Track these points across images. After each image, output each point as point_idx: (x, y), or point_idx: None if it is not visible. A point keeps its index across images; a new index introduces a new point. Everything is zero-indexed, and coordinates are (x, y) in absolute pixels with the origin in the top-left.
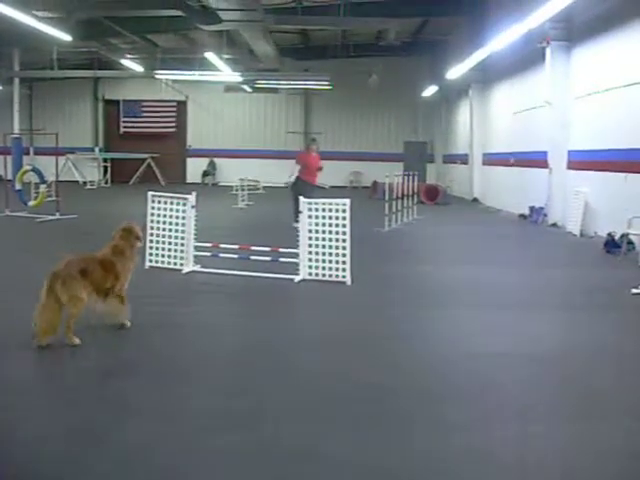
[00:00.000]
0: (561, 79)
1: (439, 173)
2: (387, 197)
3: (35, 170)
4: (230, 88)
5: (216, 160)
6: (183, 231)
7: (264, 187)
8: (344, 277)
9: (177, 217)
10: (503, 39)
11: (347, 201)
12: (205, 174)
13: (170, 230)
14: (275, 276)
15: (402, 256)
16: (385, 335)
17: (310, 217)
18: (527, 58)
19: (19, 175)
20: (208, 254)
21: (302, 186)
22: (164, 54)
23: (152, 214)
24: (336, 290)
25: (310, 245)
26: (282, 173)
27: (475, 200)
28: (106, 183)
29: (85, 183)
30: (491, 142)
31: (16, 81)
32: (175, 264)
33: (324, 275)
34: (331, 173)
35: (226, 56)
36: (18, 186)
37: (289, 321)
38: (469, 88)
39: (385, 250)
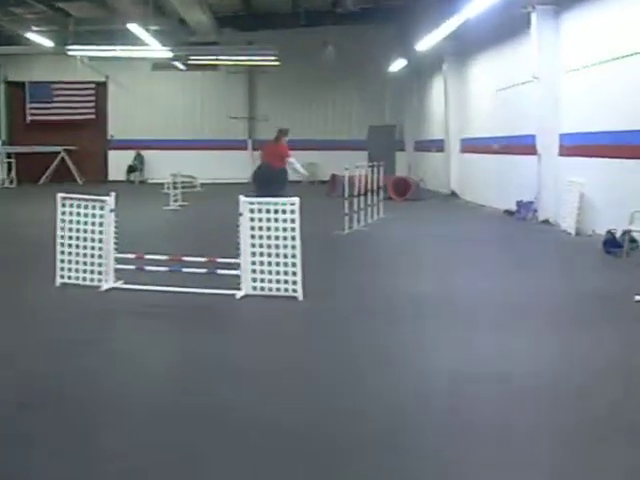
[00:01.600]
0: (549, 50)
1: (410, 163)
2: (347, 193)
3: None
4: (159, 66)
5: (144, 153)
6: (101, 240)
7: (202, 184)
8: (295, 291)
9: (93, 223)
10: (481, 3)
11: (296, 200)
12: (131, 170)
13: (85, 239)
14: (213, 292)
15: (364, 264)
16: (339, 365)
17: (252, 220)
18: (510, 26)
19: None
20: (131, 267)
21: (274, 174)
22: (78, 26)
23: (63, 220)
24: (285, 307)
25: (254, 254)
26: (223, 167)
27: (453, 194)
28: (11, 183)
29: None
30: (470, 125)
31: None
32: (92, 280)
33: (271, 289)
34: None
35: (153, 27)
36: None
37: (226, 348)
38: (443, 62)
39: (344, 257)
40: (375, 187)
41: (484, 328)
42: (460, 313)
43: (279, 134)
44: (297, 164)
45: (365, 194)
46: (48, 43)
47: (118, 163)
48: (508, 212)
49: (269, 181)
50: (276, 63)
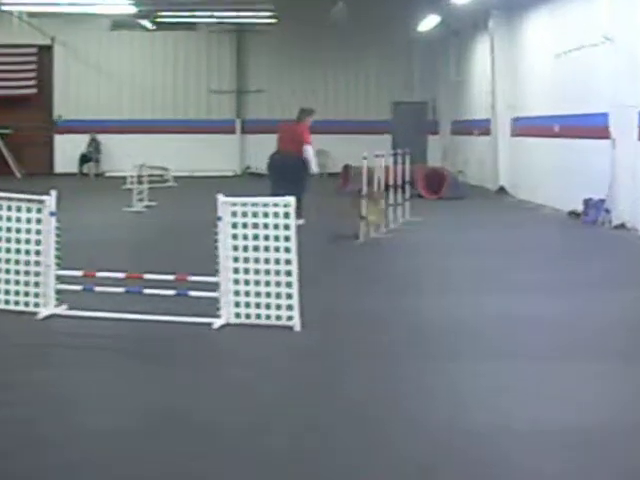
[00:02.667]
0: (626, 3)
1: (446, 150)
2: (364, 190)
3: None
4: (119, 24)
5: (100, 138)
6: (38, 253)
7: (175, 177)
8: (290, 319)
9: (28, 231)
10: None
11: (291, 200)
12: (84, 160)
13: (18, 251)
14: (183, 320)
15: (384, 283)
16: (349, 427)
17: (235, 226)
18: None
19: None
20: (78, 288)
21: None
22: None
23: None
24: (277, 341)
25: (237, 271)
26: (204, 155)
27: (502, 190)
28: None
29: None
30: (524, 101)
31: None
32: (26, 305)
33: (259, 317)
34: None
35: None
36: None
37: (197, 400)
38: (488, 18)
39: (358, 274)
40: (400, 181)
41: (546, 360)
42: (518, 342)
43: (301, 114)
44: (311, 154)
45: (387, 190)
46: None
47: (67, 151)
48: (573, 213)
49: (286, 172)
50: (272, 21)
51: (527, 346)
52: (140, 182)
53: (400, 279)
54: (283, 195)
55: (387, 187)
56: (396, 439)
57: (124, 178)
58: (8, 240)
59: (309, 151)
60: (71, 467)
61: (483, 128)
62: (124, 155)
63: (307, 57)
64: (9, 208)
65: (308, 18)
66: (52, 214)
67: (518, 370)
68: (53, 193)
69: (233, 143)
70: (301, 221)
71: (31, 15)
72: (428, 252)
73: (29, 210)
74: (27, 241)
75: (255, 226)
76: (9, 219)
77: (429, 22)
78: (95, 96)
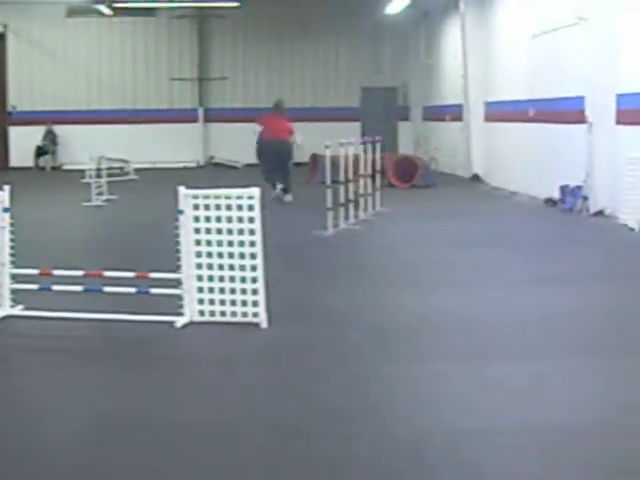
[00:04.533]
0: None
1: (418, 137)
2: (329, 179)
3: None
4: (75, 11)
5: (57, 129)
6: None
7: (136, 170)
8: (256, 315)
9: None
10: None
11: (255, 191)
12: (40, 152)
13: None
14: (145, 319)
15: (353, 276)
16: (315, 424)
17: (197, 220)
18: None
19: None
20: (34, 287)
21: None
22: None
23: None
24: (243, 337)
25: (200, 266)
26: (166, 146)
27: (475, 178)
28: None
29: None
30: (497, 85)
31: None
32: None
33: (224, 314)
34: (246, 143)
35: None
36: None
37: (158, 402)
38: None
39: (326, 267)
40: (370, 170)
41: (526, 360)
42: (493, 339)
43: (281, 105)
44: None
45: (356, 180)
46: None
47: (22, 143)
48: (550, 201)
49: (277, 157)
50: (234, 5)
51: (495, 344)
52: (99, 175)
53: (370, 273)
54: (279, 177)
55: (357, 177)
56: (364, 440)
57: (82, 171)
58: None
59: (299, 137)
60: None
61: (455, 113)
62: (82, 147)
63: (272, 42)
64: None
65: (272, 1)
66: (5, 210)
67: (499, 369)
68: (6, 188)
69: (196, 133)
70: (290, 197)
71: None
72: (399, 244)
73: None
74: None
75: (218, 219)
76: None
77: (398, 4)
78: (51, 86)
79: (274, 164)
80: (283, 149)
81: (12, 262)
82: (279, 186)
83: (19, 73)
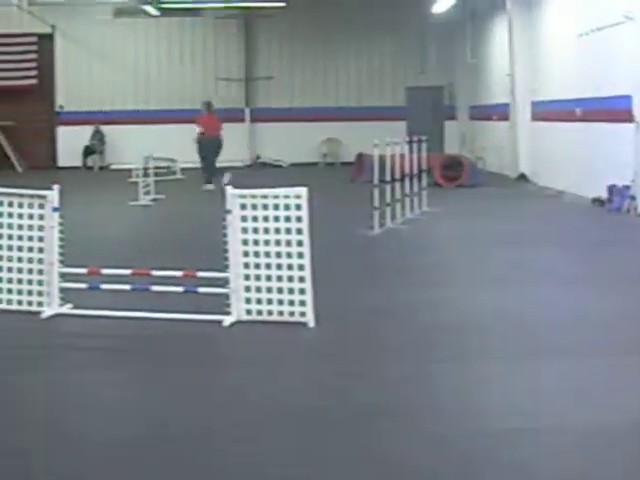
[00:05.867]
0: None
1: (464, 136)
2: (376, 178)
3: None
4: (122, 11)
5: (104, 129)
6: (41, 250)
7: (183, 169)
8: (303, 315)
9: (31, 227)
10: None
11: (303, 191)
12: (88, 152)
13: (20, 249)
14: (192, 317)
15: (400, 275)
16: (362, 428)
17: (245, 219)
18: None
19: None
20: (83, 286)
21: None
22: None
23: None
24: (290, 337)
25: (247, 265)
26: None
27: (522, 177)
28: None
29: None
30: (544, 84)
31: None
32: (29, 304)
33: (271, 313)
34: (292, 143)
35: None
36: None
37: (208, 407)
38: None
39: (373, 266)
40: (416, 170)
41: (579, 361)
42: (546, 339)
43: (212, 105)
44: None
45: (402, 179)
46: None
47: (70, 143)
48: (597, 201)
49: (214, 150)
50: (281, 4)
51: (549, 344)
52: (146, 175)
53: (417, 272)
54: (213, 165)
55: (403, 176)
56: (409, 440)
57: (130, 171)
58: (10, 237)
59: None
60: (68, 477)
61: (502, 113)
62: (129, 147)
63: (318, 42)
64: (10, 204)
65: (318, 0)
66: (55, 210)
67: (551, 368)
68: (56, 188)
69: (242, 132)
70: (211, 186)
71: (31, 3)
72: (446, 243)
73: (31, 206)
74: (30, 238)
75: (266, 219)
76: (10, 215)
77: (444, 3)
78: (98, 86)
79: (210, 155)
80: (220, 144)
81: (61, 261)
82: (227, 176)
83: (67, 73)
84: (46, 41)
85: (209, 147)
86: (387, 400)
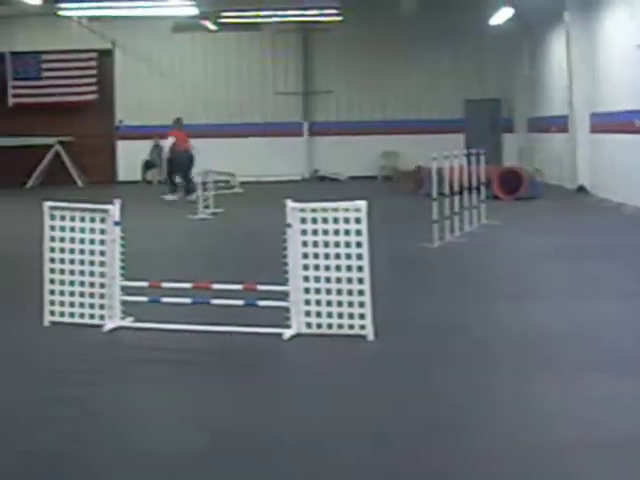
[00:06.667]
0: None
1: (522, 149)
2: (435, 192)
3: None
4: (181, 27)
5: (164, 143)
6: (103, 263)
7: (242, 183)
8: (363, 328)
9: (92, 241)
10: None
11: (362, 204)
12: (148, 166)
13: (82, 262)
14: (252, 331)
15: (459, 289)
16: (425, 443)
17: (305, 233)
18: None
19: None
20: (144, 299)
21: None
22: None
23: (52, 238)
24: (350, 351)
25: (307, 279)
26: (271, 159)
27: (582, 189)
28: None
29: None
30: (603, 95)
31: None
32: (92, 317)
33: (330, 326)
34: (350, 156)
35: None
36: None
37: (270, 420)
38: (564, 9)
39: (433, 280)
40: (474, 182)
41: None
42: (584, 360)
43: (181, 121)
44: None
45: (461, 192)
46: (34, 0)
47: (130, 157)
48: None
49: (188, 163)
50: (338, 18)
51: (619, 357)
52: (205, 188)
53: (476, 285)
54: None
55: (462, 189)
56: (470, 454)
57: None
58: (72, 251)
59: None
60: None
61: (560, 125)
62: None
63: (375, 55)
64: (72, 218)
65: (375, 14)
66: (116, 224)
67: (606, 383)
68: (117, 202)
69: (300, 146)
70: (176, 197)
71: (91, 20)
72: (505, 257)
73: (92, 220)
74: (91, 252)
75: (325, 232)
76: (72, 229)
77: (501, 16)
78: (157, 100)
79: (185, 168)
80: (191, 158)
81: (123, 275)
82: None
83: (126, 88)
84: (106, 57)
85: (184, 160)
86: (447, 414)
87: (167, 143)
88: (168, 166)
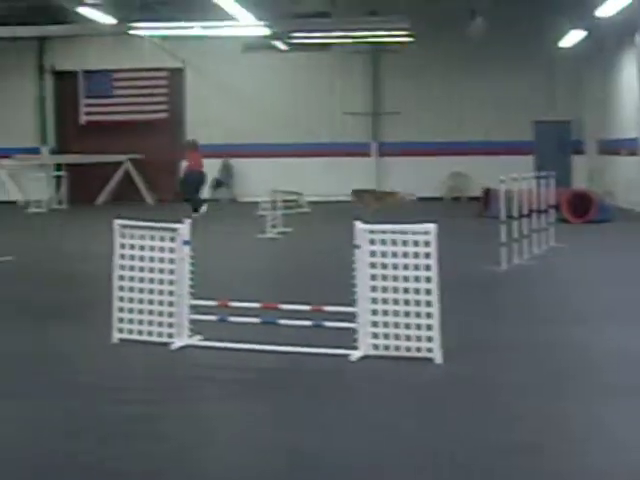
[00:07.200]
0: None
1: (593, 171)
2: (504, 214)
3: None
4: (252, 46)
5: (233, 162)
6: (172, 282)
7: (309, 202)
8: (430, 351)
9: (162, 260)
10: None
11: (432, 227)
12: (216, 184)
13: (151, 281)
14: (320, 351)
15: (527, 312)
16: (495, 469)
17: (373, 254)
18: None
19: None
20: (212, 318)
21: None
22: None
23: (122, 255)
24: (417, 374)
25: (374, 300)
26: (339, 179)
27: None
28: (60, 203)
29: (27, 204)
30: None
31: None
32: (160, 335)
33: (398, 348)
34: (417, 177)
35: None
36: None
37: (331, 437)
38: (635, 32)
39: (502, 303)
40: (544, 205)
41: None
42: None
43: (196, 143)
44: None
45: (530, 215)
46: (107, 19)
47: None
48: None
49: (199, 182)
50: (408, 39)
51: None
52: (274, 208)
53: (547, 308)
54: (196, 196)
55: (531, 212)
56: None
57: (257, 204)
58: (141, 269)
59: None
60: None
61: (631, 147)
62: (257, 180)
63: (445, 76)
64: (142, 237)
65: (445, 36)
66: (186, 243)
67: None
68: (187, 222)
69: (369, 166)
70: (198, 214)
71: (162, 39)
72: (574, 280)
73: (162, 239)
74: (160, 270)
75: (394, 254)
76: (142, 248)
77: (572, 37)
78: (227, 119)
79: (197, 187)
80: (203, 177)
81: (192, 293)
82: (204, 207)
83: (196, 106)
84: (177, 75)
85: (195, 180)
86: (519, 438)
87: (183, 164)
88: (181, 186)
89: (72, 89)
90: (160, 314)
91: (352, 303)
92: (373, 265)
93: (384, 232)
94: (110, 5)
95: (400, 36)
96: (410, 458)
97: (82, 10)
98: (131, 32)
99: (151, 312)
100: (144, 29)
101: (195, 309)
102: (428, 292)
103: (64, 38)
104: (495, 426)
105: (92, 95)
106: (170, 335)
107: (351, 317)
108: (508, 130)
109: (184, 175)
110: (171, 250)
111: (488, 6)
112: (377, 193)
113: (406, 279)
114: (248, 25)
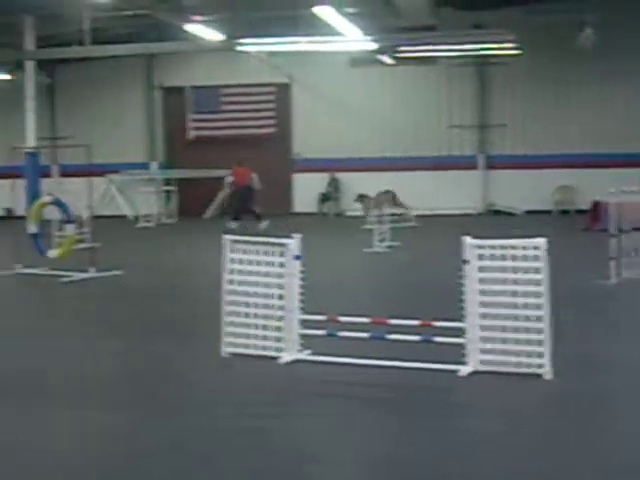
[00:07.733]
0: None
1: None
2: (613, 228)
3: (57, 202)
4: (358, 61)
5: (340, 176)
6: (281, 297)
7: (417, 216)
8: (540, 367)
9: (270, 274)
10: None
11: (541, 242)
12: (324, 198)
13: (261, 295)
14: (428, 367)
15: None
16: None
17: (482, 270)
18: None
19: (34, 210)
20: (321, 333)
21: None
22: (251, 12)
23: (232, 270)
24: (527, 390)
25: (484, 316)
26: (445, 193)
27: None
28: (170, 217)
29: (137, 218)
30: None
31: (29, 65)
32: (269, 349)
33: (508, 364)
34: (525, 190)
35: (350, 10)
36: (33, 227)
37: (439, 453)
38: None
39: (611, 318)
40: None
41: None
42: None
43: (242, 161)
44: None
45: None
46: (214, 36)
47: (306, 189)
48: None
49: (248, 197)
50: (515, 52)
51: None
52: (381, 222)
53: None
54: (243, 208)
55: None
56: None
57: (364, 218)
58: (250, 284)
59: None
60: None
61: None
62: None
63: (552, 88)
64: (252, 251)
65: (553, 48)
66: (296, 258)
67: None
68: (297, 237)
69: (475, 180)
70: (235, 224)
71: (269, 55)
72: None
73: (272, 254)
74: (270, 285)
75: (503, 269)
76: (251, 262)
77: None
78: (334, 134)
79: (245, 202)
80: (250, 191)
81: (301, 308)
82: (265, 223)
83: (303, 121)
84: (284, 90)
85: (240, 194)
86: (631, 459)
87: (229, 180)
88: (232, 200)
89: (180, 105)
90: (269, 328)
91: (461, 318)
92: (482, 280)
93: (493, 247)
94: (217, 22)
95: (507, 49)
96: (521, 476)
97: (189, 27)
98: (238, 48)
99: (260, 326)
100: (250, 45)
101: (304, 324)
102: (538, 307)
103: (172, 55)
104: (604, 446)
105: (200, 111)
106: (278, 349)
107: (460, 332)
108: (618, 141)
109: (232, 191)
110: (280, 264)
111: (599, 17)
112: (377, 197)
113: (515, 294)
114: (354, 40)
